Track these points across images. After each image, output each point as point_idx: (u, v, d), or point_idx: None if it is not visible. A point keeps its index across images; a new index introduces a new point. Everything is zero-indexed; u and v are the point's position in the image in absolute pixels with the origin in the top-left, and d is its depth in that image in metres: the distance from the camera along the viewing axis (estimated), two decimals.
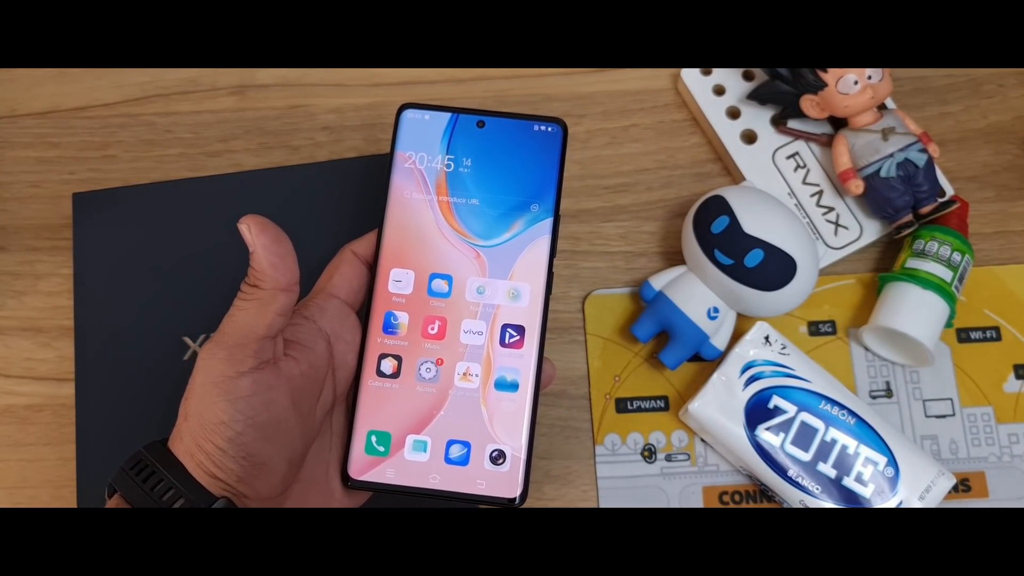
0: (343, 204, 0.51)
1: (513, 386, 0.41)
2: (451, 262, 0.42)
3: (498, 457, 0.41)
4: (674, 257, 0.53)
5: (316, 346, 0.40)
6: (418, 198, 0.42)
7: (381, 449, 0.41)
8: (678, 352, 0.50)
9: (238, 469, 0.36)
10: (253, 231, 0.38)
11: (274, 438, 0.37)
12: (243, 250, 0.50)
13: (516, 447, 0.41)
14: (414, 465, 0.41)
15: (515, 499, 0.40)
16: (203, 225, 0.51)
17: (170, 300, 0.50)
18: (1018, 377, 0.52)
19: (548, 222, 0.42)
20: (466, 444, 0.41)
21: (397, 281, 0.42)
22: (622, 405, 0.52)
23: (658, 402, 0.52)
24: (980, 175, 0.55)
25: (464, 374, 0.41)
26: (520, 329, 0.41)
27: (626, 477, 0.51)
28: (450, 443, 0.41)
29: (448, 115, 0.43)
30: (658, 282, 0.51)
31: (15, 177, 0.56)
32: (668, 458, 0.51)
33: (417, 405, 0.41)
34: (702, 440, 0.51)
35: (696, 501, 0.50)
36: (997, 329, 0.53)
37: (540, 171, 0.42)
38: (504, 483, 0.40)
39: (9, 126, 0.56)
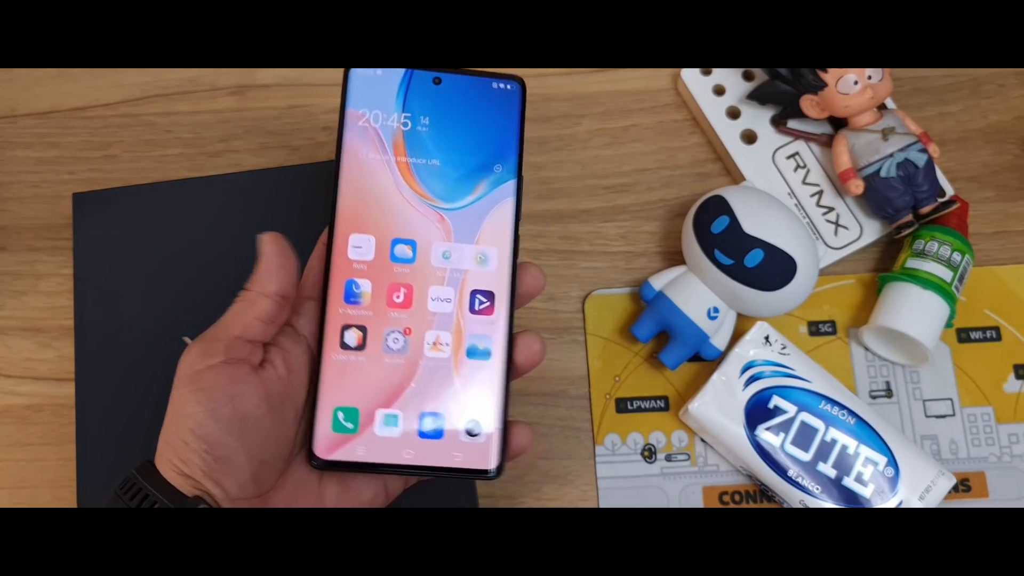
0: None
1: (485, 354, 0.40)
2: (414, 226, 0.40)
3: (473, 428, 0.39)
4: (674, 257, 0.53)
5: (295, 350, 0.39)
6: (375, 158, 0.40)
7: (349, 426, 0.39)
8: (678, 352, 0.50)
9: (200, 463, 0.36)
10: (267, 242, 0.39)
11: (239, 434, 0.37)
12: (244, 250, 0.50)
13: (491, 417, 0.39)
14: (386, 441, 0.39)
15: (491, 471, 0.39)
16: (203, 225, 0.51)
17: (170, 300, 0.50)
18: (1018, 377, 0.52)
19: (512, 183, 0.40)
20: (440, 416, 0.39)
21: (357, 247, 0.40)
22: (622, 405, 0.52)
23: (658, 402, 0.52)
24: (980, 175, 0.55)
25: (434, 343, 0.39)
26: (490, 295, 0.40)
27: (626, 477, 0.51)
28: (423, 416, 0.39)
29: (402, 71, 0.40)
30: (658, 282, 0.51)
31: (15, 177, 0.56)
32: (668, 458, 0.51)
33: (386, 378, 0.39)
34: (702, 440, 0.51)
35: (696, 501, 0.50)
36: (997, 329, 0.53)
37: (501, 131, 0.41)
38: (480, 455, 0.39)
39: (9, 126, 0.56)
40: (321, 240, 0.41)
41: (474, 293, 0.40)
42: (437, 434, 0.39)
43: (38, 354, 0.53)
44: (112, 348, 0.49)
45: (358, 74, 0.41)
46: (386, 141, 0.40)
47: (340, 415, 0.39)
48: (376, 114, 0.40)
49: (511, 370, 0.40)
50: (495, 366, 0.40)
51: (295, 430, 0.39)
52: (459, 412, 0.39)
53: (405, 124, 0.40)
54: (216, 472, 0.36)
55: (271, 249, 0.38)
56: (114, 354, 0.49)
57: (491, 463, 0.39)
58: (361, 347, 0.40)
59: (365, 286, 0.40)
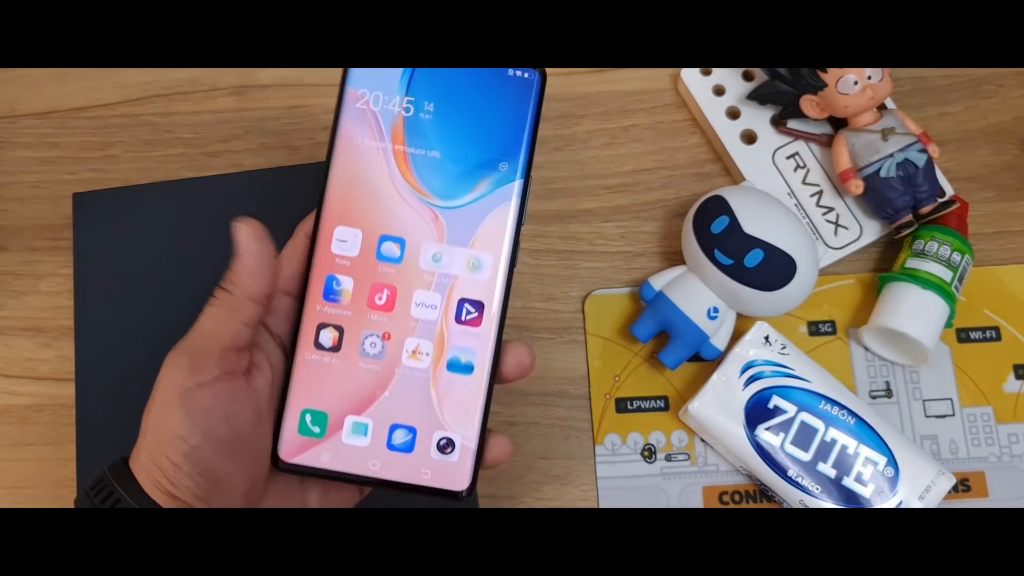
0: None
1: (468, 368, 0.37)
2: (405, 223, 0.37)
3: (446, 446, 0.37)
4: (674, 257, 0.53)
5: (273, 351, 0.38)
6: (370, 145, 0.37)
7: (316, 430, 0.37)
8: (678, 352, 0.50)
9: (194, 487, 0.34)
10: (246, 235, 0.36)
11: (234, 455, 0.35)
12: None
13: (467, 436, 0.37)
14: (352, 449, 0.37)
15: (461, 492, 0.37)
16: (203, 225, 0.51)
17: (170, 300, 0.50)
18: (1018, 377, 0.52)
19: (518, 184, 0.37)
20: (411, 430, 0.37)
21: (342, 241, 0.37)
22: (622, 405, 0.52)
23: (658, 402, 0.52)
24: (980, 175, 0.55)
25: (413, 352, 0.37)
26: (479, 305, 0.37)
27: (626, 477, 0.51)
28: (394, 427, 0.37)
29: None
30: (658, 282, 0.51)
31: (15, 177, 0.56)
32: (668, 458, 0.51)
33: (359, 383, 0.37)
34: (702, 440, 0.51)
35: (696, 501, 0.50)
36: (997, 329, 0.53)
37: (511, 124, 0.37)
38: (451, 474, 0.37)
39: (9, 126, 0.56)
40: (302, 230, 0.38)
41: (462, 302, 0.37)
42: (407, 448, 0.37)
43: (38, 354, 0.53)
44: (112, 348, 0.49)
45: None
46: (384, 127, 0.37)
47: (308, 418, 0.37)
48: (376, 95, 0.37)
49: (493, 387, 0.37)
50: (477, 382, 0.37)
51: None
52: (432, 427, 0.37)
53: (407, 109, 0.37)
54: (210, 495, 0.35)
55: (251, 244, 0.35)
56: (114, 354, 0.49)
57: (461, 484, 0.37)
58: (336, 348, 0.37)
59: (346, 283, 0.37)
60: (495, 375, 0.37)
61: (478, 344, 0.37)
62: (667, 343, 0.50)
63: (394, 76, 0.37)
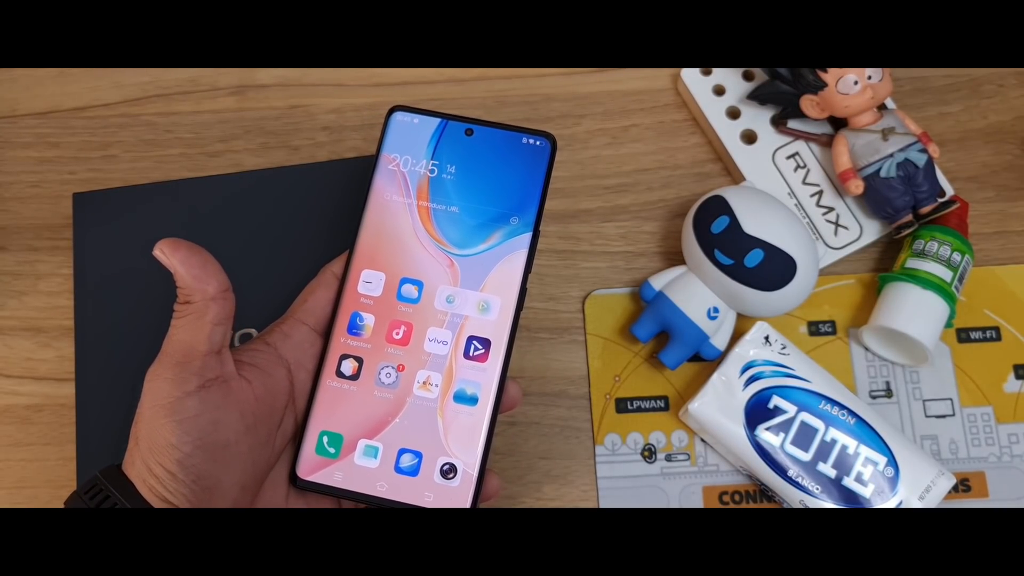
0: (343, 204, 0.51)
1: (472, 400, 0.40)
2: (424, 268, 0.41)
3: (449, 471, 0.40)
4: (674, 257, 0.53)
5: (275, 372, 0.39)
6: (398, 201, 0.42)
7: (332, 451, 0.40)
8: (678, 352, 0.50)
9: (188, 493, 0.35)
10: (167, 252, 0.37)
11: (223, 460, 0.36)
12: (245, 250, 0.50)
13: (469, 463, 0.40)
14: (362, 470, 0.40)
15: None
16: (203, 225, 0.51)
17: (170, 300, 0.49)
18: (1018, 377, 0.52)
19: (527, 236, 0.41)
20: (418, 454, 0.40)
21: (368, 282, 0.41)
22: (622, 405, 0.52)
23: (658, 402, 0.52)
24: (980, 175, 0.55)
25: (424, 383, 0.40)
26: (486, 343, 0.41)
27: (626, 477, 0.51)
28: (401, 452, 0.40)
29: (437, 120, 0.42)
30: (658, 282, 0.51)
31: (15, 177, 0.56)
32: (668, 458, 0.51)
33: (373, 410, 0.40)
34: (702, 440, 0.51)
35: (696, 501, 0.50)
36: (997, 329, 0.53)
37: (524, 184, 0.42)
38: (453, 498, 0.40)
39: (9, 126, 0.56)
40: (329, 269, 0.42)
41: (471, 339, 0.41)
42: (413, 471, 0.40)
43: (38, 354, 0.53)
44: (112, 348, 0.49)
45: (397, 119, 0.42)
46: (411, 185, 0.42)
47: (325, 439, 0.40)
48: (407, 159, 0.42)
49: (496, 419, 0.40)
50: (481, 413, 0.40)
51: (268, 453, 0.39)
52: (437, 453, 0.40)
53: (432, 171, 0.42)
54: (202, 501, 0.36)
55: (178, 255, 0.37)
56: (114, 354, 0.49)
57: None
58: (355, 377, 0.41)
59: (368, 320, 0.41)
60: (498, 407, 0.40)
61: (483, 378, 0.40)
62: (667, 343, 0.50)
63: (423, 142, 0.42)
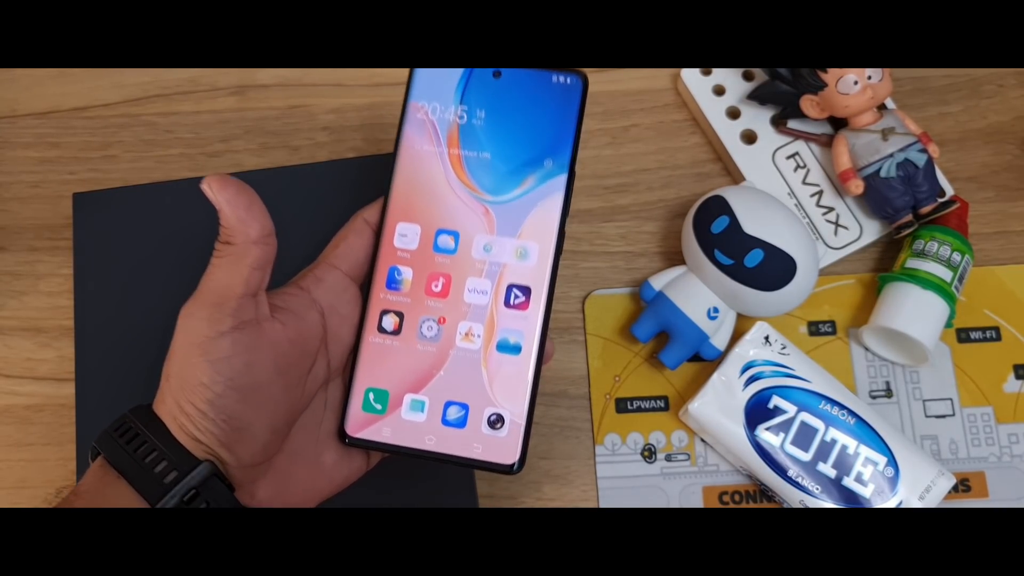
0: (343, 204, 0.50)
1: (516, 348, 0.39)
2: (459, 218, 0.40)
3: (496, 421, 0.39)
4: (674, 257, 0.53)
5: (307, 316, 0.39)
6: (428, 150, 0.41)
7: (378, 407, 0.40)
8: (678, 352, 0.50)
9: (219, 432, 0.36)
10: (215, 188, 0.37)
11: (255, 402, 0.36)
12: None
13: (516, 412, 0.39)
14: (410, 425, 0.40)
15: (513, 465, 0.39)
16: (203, 225, 0.50)
17: (170, 300, 0.49)
18: (1018, 377, 0.52)
19: (562, 179, 0.40)
20: (464, 406, 0.40)
21: (403, 236, 0.41)
22: (622, 405, 0.52)
23: (658, 402, 0.52)
24: (980, 175, 0.55)
25: (466, 334, 0.40)
26: (526, 290, 0.40)
27: (626, 477, 0.51)
28: (448, 404, 0.40)
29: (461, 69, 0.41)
30: (658, 282, 0.51)
31: (15, 177, 0.56)
32: (668, 458, 0.51)
33: (417, 364, 0.40)
34: (702, 440, 0.51)
35: (696, 501, 0.50)
36: (997, 329, 0.53)
37: (556, 125, 0.40)
38: (501, 449, 0.39)
39: (9, 126, 0.56)
40: (360, 216, 0.41)
41: (511, 287, 0.40)
42: (460, 423, 0.40)
43: (38, 354, 0.53)
44: (112, 348, 0.49)
45: (421, 72, 0.41)
46: (441, 133, 0.41)
47: (371, 396, 0.40)
48: (435, 107, 0.41)
49: (540, 367, 0.40)
50: (524, 361, 0.39)
51: (298, 396, 0.39)
52: (484, 404, 0.39)
53: (461, 117, 0.41)
54: (232, 441, 0.36)
55: (229, 193, 0.37)
56: (114, 354, 0.49)
57: (510, 458, 0.39)
58: (397, 332, 0.40)
59: (407, 274, 0.41)
60: (542, 355, 0.40)
61: (526, 326, 0.40)
62: (667, 343, 0.50)
63: (450, 88, 0.41)
